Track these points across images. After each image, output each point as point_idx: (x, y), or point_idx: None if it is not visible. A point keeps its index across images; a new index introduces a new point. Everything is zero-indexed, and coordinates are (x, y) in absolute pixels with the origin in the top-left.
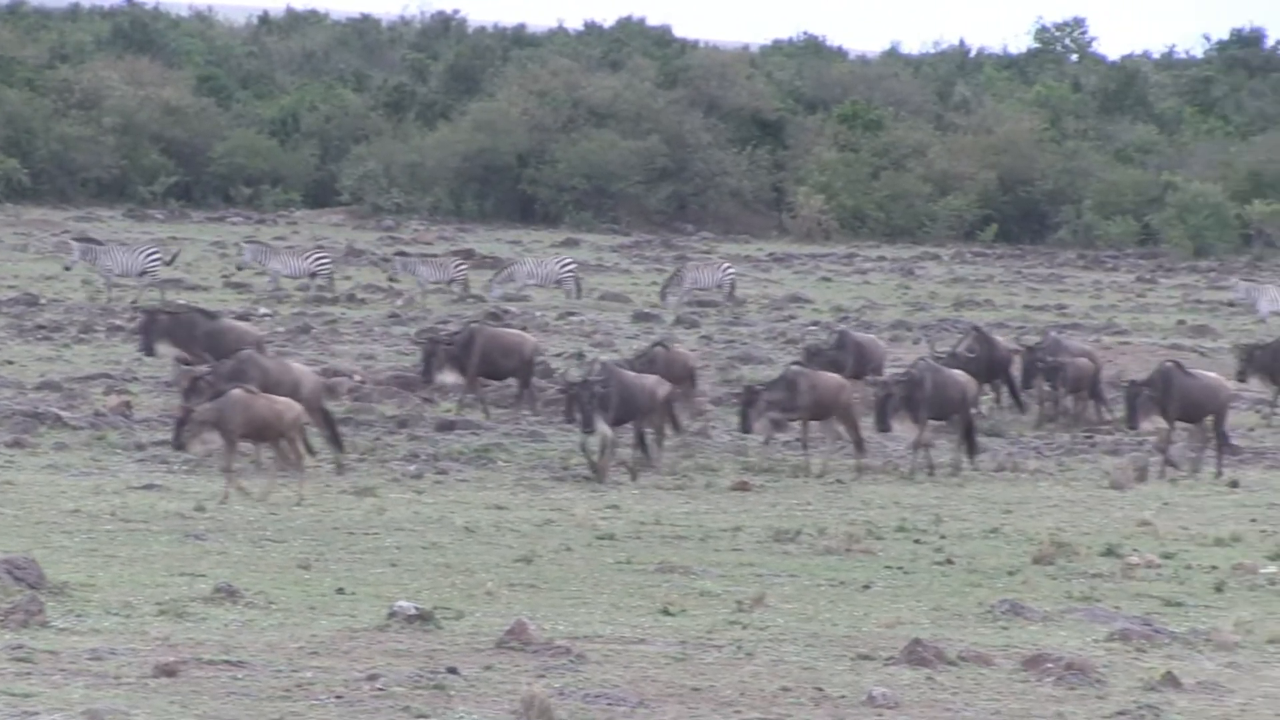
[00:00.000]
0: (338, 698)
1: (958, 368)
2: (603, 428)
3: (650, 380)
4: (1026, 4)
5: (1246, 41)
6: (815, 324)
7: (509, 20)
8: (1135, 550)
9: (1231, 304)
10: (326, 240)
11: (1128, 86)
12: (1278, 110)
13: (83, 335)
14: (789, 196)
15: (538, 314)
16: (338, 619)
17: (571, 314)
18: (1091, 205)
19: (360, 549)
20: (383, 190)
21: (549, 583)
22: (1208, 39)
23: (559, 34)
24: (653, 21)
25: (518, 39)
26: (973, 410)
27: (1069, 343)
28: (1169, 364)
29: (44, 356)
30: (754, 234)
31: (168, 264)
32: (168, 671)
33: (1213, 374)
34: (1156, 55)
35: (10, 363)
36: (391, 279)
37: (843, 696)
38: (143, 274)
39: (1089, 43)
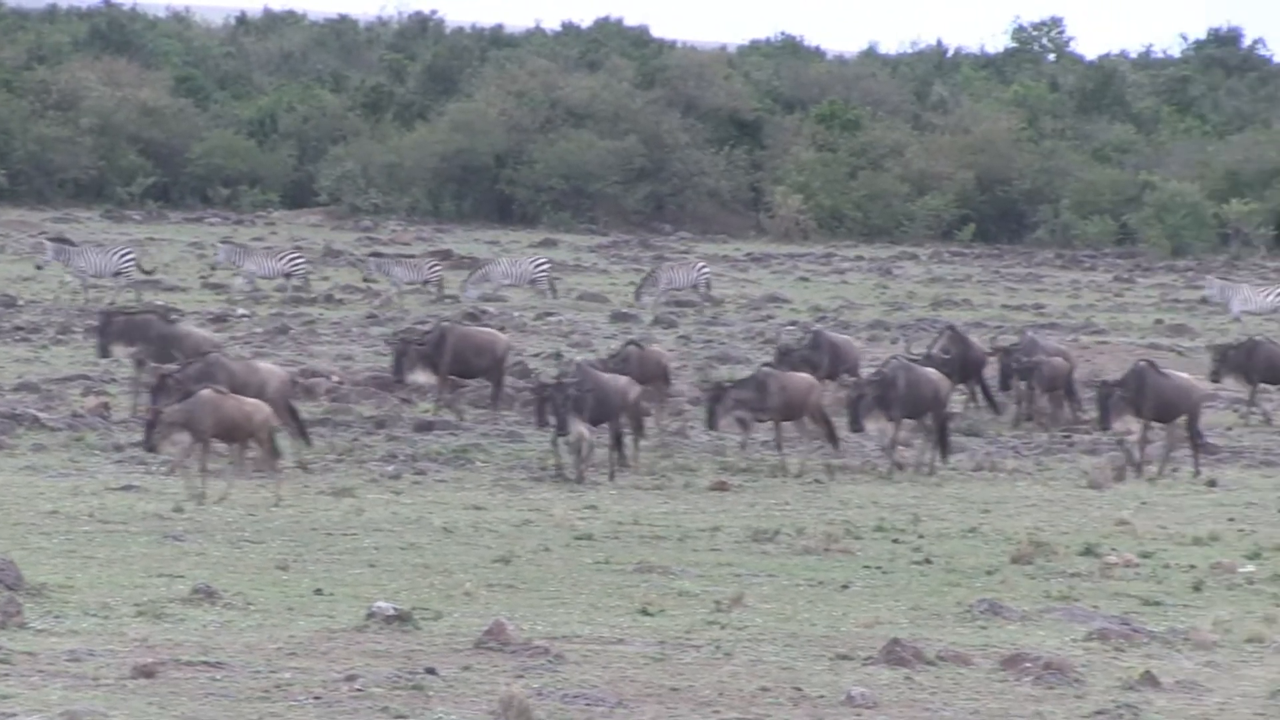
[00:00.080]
0: (316, 698)
1: (933, 367)
2: (578, 428)
3: (622, 381)
4: (1004, 4)
5: (1224, 41)
6: (793, 324)
7: (487, 21)
8: (1113, 549)
9: (1205, 300)
10: (304, 241)
11: (1105, 86)
12: (1255, 109)
13: (60, 337)
14: (767, 196)
15: (515, 314)
16: (316, 620)
17: (549, 314)
18: (1069, 205)
19: (338, 550)
20: (361, 191)
21: (527, 583)
22: (1185, 38)
23: (536, 34)
24: (630, 22)
25: (495, 39)
26: (946, 409)
27: (1044, 342)
28: (1142, 364)
29: (22, 358)
30: (732, 234)
31: (147, 273)
32: (146, 672)
33: (1185, 374)
34: (1134, 55)
35: None
36: (366, 279)
37: (821, 696)
38: (117, 274)
39: (1066, 42)
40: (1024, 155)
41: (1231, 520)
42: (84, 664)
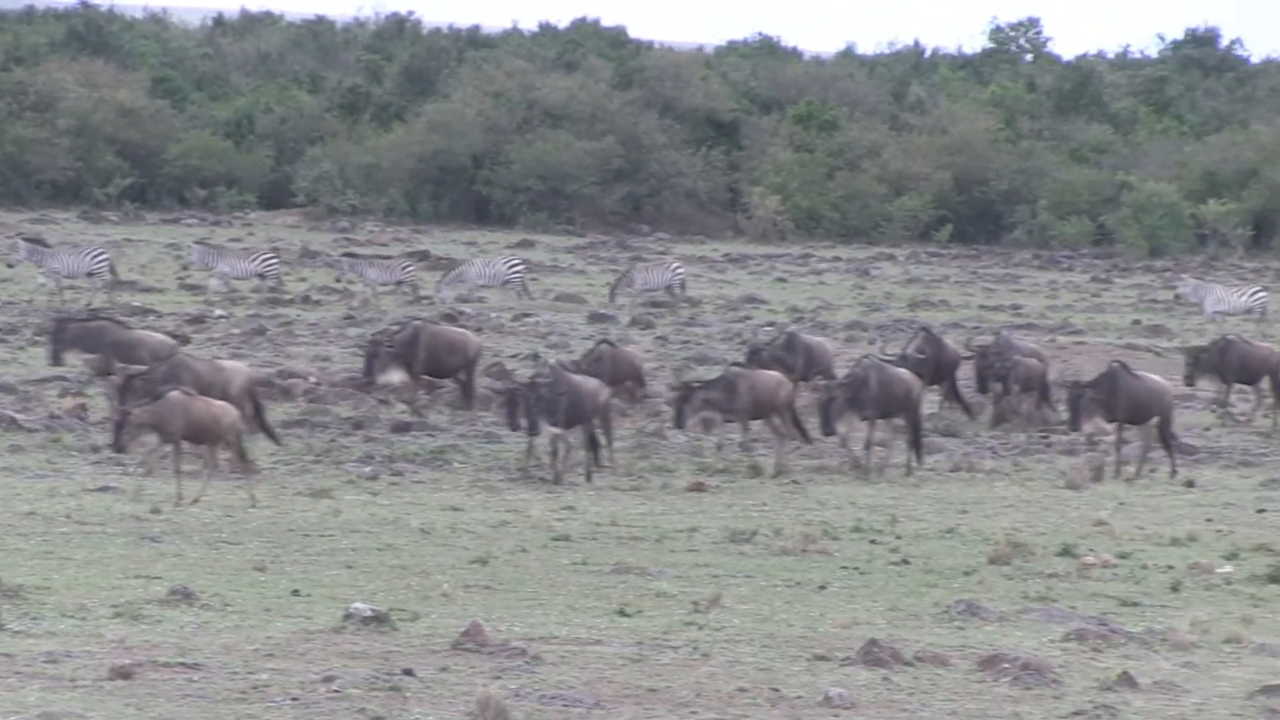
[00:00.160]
0: (293, 699)
1: (907, 368)
2: (549, 429)
3: (593, 383)
4: (981, 4)
5: (1201, 41)
6: (770, 324)
7: (464, 21)
8: (1091, 550)
9: (1178, 298)
10: (281, 242)
11: (1082, 86)
12: (1232, 110)
13: (37, 338)
14: (744, 197)
15: (493, 315)
16: (293, 621)
17: (527, 315)
18: (1047, 205)
19: (316, 551)
20: (338, 192)
21: (505, 584)
22: (1162, 39)
23: (514, 35)
24: (607, 22)
25: (472, 40)
26: (919, 410)
27: (1019, 342)
28: (1114, 365)
29: None
30: (709, 235)
31: (113, 277)
32: (123, 674)
33: (1157, 376)
34: (1111, 55)
35: None
36: (340, 280)
37: (799, 697)
38: (90, 275)
39: (1044, 43)
40: (1001, 156)
41: (1209, 521)
42: (61, 665)
